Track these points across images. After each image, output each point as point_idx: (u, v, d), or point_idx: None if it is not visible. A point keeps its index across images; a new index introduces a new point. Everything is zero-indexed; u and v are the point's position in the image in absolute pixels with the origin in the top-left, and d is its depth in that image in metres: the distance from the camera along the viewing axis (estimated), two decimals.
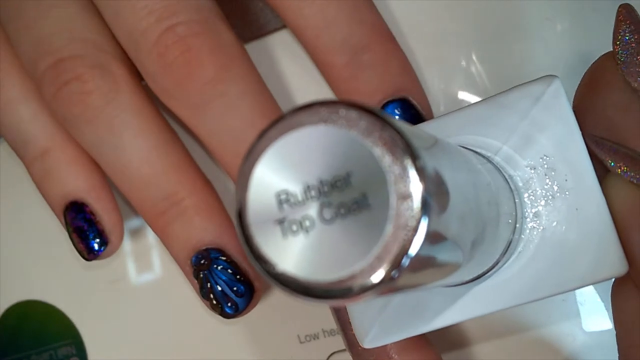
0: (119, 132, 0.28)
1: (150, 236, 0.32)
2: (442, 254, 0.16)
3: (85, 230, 0.30)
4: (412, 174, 0.14)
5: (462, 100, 0.29)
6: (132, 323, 0.33)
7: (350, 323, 0.24)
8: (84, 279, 0.33)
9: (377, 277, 0.14)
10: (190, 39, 0.27)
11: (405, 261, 0.14)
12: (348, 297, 0.14)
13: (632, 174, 0.22)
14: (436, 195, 0.15)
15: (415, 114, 0.27)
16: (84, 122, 0.28)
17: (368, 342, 0.23)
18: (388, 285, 0.14)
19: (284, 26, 0.30)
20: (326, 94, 0.29)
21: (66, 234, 0.31)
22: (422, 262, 0.15)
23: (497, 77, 0.29)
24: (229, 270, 0.28)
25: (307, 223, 0.14)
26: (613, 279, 0.24)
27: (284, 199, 0.15)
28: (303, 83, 0.30)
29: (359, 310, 0.24)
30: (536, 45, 0.28)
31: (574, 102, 0.24)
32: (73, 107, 0.28)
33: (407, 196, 0.14)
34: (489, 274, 0.22)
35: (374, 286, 0.14)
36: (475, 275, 0.21)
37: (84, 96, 0.28)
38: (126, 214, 0.31)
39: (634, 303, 0.23)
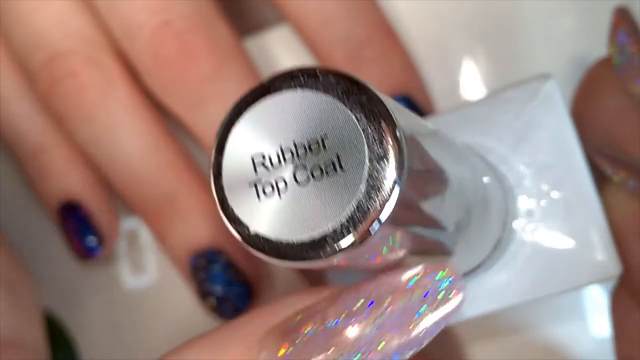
0: (113, 128, 0.28)
1: (145, 238, 0.32)
2: (420, 226, 0.16)
3: (80, 230, 0.30)
4: (387, 136, 0.14)
5: (463, 98, 0.29)
6: (126, 327, 0.32)
7: None
8: (77, 283, 0.33)
9: (348, 238, 0.14)
10: (186, 34, 0.26)
11: (377, 223, 0.14)
12: (320, 258, 0.14)
13: (632, 182, 0.22)
14: (412, 162, 0.15)
15: (417, 111, 0.27)
16: (79, 119, 0.28)
17: None
18: (361, 247, 0.14)
19: (282, 20, 0.30)
20: None
21: (58, 235, 0.30)
22: (397, 229, 0.15)
23: (499, 74, 0.28)
24: (228, 271, 0.28)
25: (282, 185, 0.14)
26: (612, 289, 0.24)
27: (259, 162, 0.15)
28: None
29: None
30: (539, 41, 0.28)
31: (572, 108, 0.24)
32: (68, 103, 0.28)
33: (381, 158, 0.14)
34: (479, 270, 0.21)
35: (346, 247, 0.14)
36: (465, 270, 0.21)
37: (79, 92, 0.28)
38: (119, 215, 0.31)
39: (632, 314, 0.23)
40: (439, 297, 0.16)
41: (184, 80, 0.27)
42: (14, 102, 0.30)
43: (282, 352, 0.16)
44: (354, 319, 0.16)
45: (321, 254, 0.14)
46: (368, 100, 0.14)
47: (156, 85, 0.28)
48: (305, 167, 0.14)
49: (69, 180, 0.30)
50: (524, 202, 0.22)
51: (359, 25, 0.27)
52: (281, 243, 0.14)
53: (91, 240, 0.30)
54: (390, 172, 0.14)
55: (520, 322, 0.27)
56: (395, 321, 0.16)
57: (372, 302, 0.16)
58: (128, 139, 0.28)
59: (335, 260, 0.14)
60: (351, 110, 0.14)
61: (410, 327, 0.16)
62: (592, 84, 0.24)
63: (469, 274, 0.21)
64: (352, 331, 0.16)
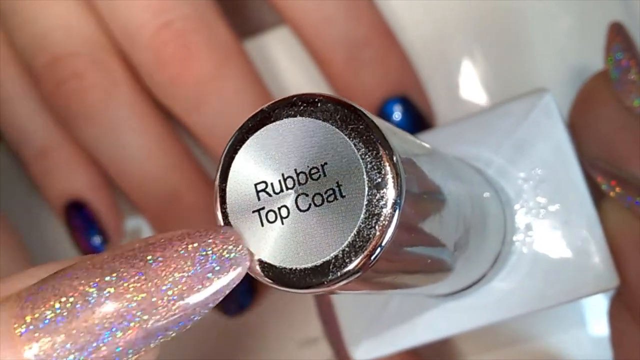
0: (118, 129, 0.28)
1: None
2: (420, 247, 0.16)
3: (86, 229, 0.30)
4: (385, 163, 0.14)
5: (461, 98, 0.29)
6: None
7: (342, 343, 0.25)
8: None
9: (351, 264, 0.14)
10: (187, 35, 0.27)
11: (379, 248, 0.14)
12: (323, 285, 0.14)
13: (627, 197, 0.22)
14: (411, 185, 0.15)
15: (416, 112, 0.27)
16: (83, 120, 0.28)
17: (360, 354, 0.23)
18: (363, 273, 0.14)
19: (281, 22, 0.30)
20: (325, 91, 0.29)
21: (62, 234, 0.31)
22: (399, 253, 0.15)
23: (497, 75, 0.29)
24: None
25: (284, 212, 0.15)
26: (610, 300, 0.24)
27: (262, 189, 0.15)
28: (301, 81, 0.31)
29: (350, 323, 0.24)
30: (538, 43, 0.28)
31: (569, 119, 0.24)
32: (71, 104, 0.28)
33: (380, 185, 0.14)
34: (479, 284, 0.22)
35: (348, 274, 0.14)
36: (465, 284, 0.21)
37: (82, 93, 0.28)
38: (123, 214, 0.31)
39: (629, 328, 0.23)
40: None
41: (184, 81, 0.27)
42: (19, 103, 0.30)
43: (18, 328, 0.14)
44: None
45: (324, 281, 0.14)
46: (365, 127, 0.14)
47: (157, 86, 0.28)
48: (307, 195, 0.15)
49: (74, 180, 0.30)
50: (522, 215, 0.22)
51: (358, 26, 0.27)
52: (284, 270, 0.15)
53: (97, 240, 0.30)
54: (389, 198, 0.14)
55: (520, 330, 0.28)
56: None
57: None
58: (132, 139, 0.28)
59: (338, 287, 0.14)
60: (349, 138, 0.14)
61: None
62: (589, 96, 0.24)
63: (469, 287, 0.22)
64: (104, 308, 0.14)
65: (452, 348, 0.28)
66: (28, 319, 0.14)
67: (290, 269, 0.15)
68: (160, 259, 0.15)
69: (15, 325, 0.14)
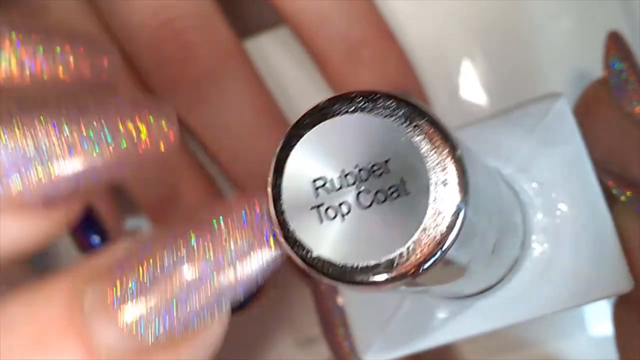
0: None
1: None
2: (472, 249, 0.16)
3: (85, 227, 0.29)
4: (451, 161, 0.14)
5: (461, 99, 0.29)
6: None
7: (341, 344, 0.24)
8: None
9: (417, 261, 0.14)
10: (186, 34, 0.27)
11: (444, 248, 0.14)
12: (385, 284, 0.14)
13: (637, 201, 0.23)
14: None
15: None
16: None
17: (370, 356, 0.23)
18: (430, 270, 0.14)
19: (281, 22, 0.30)
20: (324, 92, 0.29)
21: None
22: (458, 253, 0.15)
23: (497, 76, 0.29)
24: None
25: (344, 209, 0.14)
26: (614, 303, 0.25)
27: (320, 186, 0.15)
28: (301, 81, 0.30)
29: (361, 324, 0.23)
30: (539, 43, 0.28)
31: None
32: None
33: (446, 183, 0.14)
34: (495, 287, 0.22)
35: (413, 272, 0.14)
36: (483, 287, 0.21)
37: None
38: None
39: (634, 329, 0.23)
40: None
41: (183, 79, 0.27)
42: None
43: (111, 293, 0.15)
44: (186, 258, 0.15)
45: (386, 280, 0.14)
46: (429, 125, 0.14)
47: (156, 85, 0.28)
48: (369, 191, 0.14)
49: None
50: (538, 219, 0.22)
51: (356, 25, 0.27)
52: (346, 267, 0.14)
53: (97, 237, 0.30)
54: (454, 196, 0.14)
55: (523, 334, 0.28)
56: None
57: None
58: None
59: (401, 285, 0.14)
60: (412, 135, 0.14)
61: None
62: (590, 102, 0.24)
63: (485, 291, 0.22)
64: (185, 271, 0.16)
65: (455, 352, 0.28)
66: (118, 290, 0.15)
67: (352, 266, 0.14)
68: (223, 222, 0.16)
69: (108, 297, 0.15)
